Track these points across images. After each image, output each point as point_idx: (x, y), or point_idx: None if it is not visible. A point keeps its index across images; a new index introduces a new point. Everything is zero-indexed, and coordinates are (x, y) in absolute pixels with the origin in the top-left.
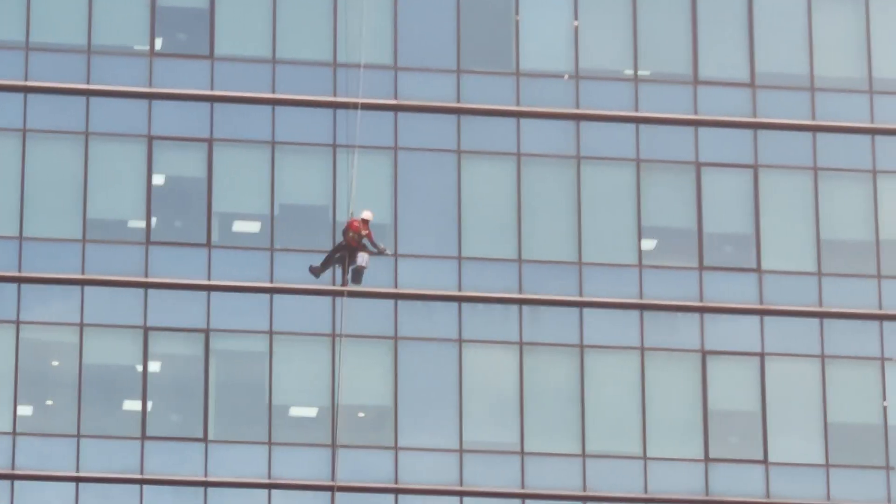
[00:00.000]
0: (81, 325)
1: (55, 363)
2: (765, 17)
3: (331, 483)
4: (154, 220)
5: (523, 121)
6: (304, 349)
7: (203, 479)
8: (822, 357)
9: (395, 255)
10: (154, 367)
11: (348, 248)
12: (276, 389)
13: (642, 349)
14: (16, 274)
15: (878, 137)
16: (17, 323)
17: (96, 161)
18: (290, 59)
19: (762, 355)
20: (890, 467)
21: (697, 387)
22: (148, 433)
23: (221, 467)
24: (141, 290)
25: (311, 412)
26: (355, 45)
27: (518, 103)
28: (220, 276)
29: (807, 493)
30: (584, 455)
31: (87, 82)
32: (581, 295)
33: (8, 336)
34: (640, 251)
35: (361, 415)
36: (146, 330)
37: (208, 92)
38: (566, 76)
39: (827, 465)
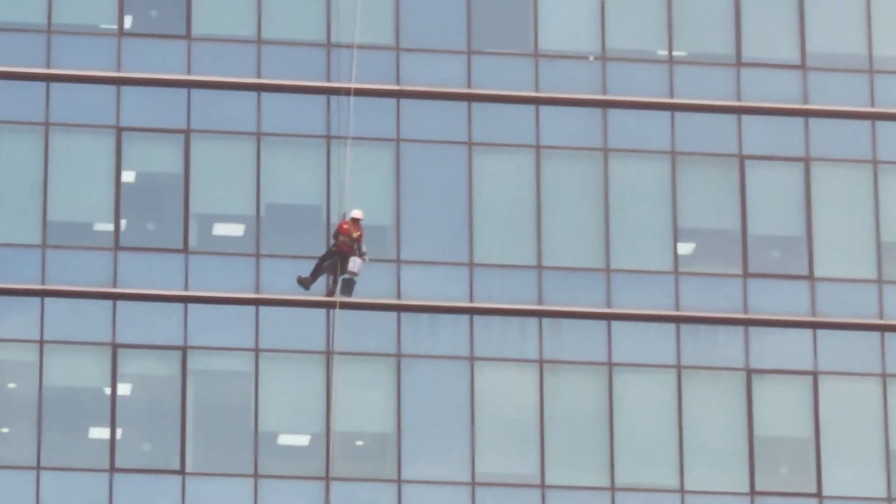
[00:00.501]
0: (41, 342)
1: (11, 385)
2: None
3: None
4: (123, 222)
5: (543, 108)
6: (294, 368)
7: None
8: (884, 376)
9: (398, 261)
10: (124, 389)
11: (339, 253)
12: (263, 414)
13: (679, 367)
14: None
15: None
16: None
17: (57, 155)
18: (277, 39)
19: (815, 374)
20: None
21: (742, 410)
22: (117, 464)
23: (201, 503)
24: (109, 303)
25: (302, 440)
26: (350, 21)
27: (537, 88)
28: (198, 285)
29: None
30: (612, 488)
31: (47, 66)
32: (609, 306)
33: None
34: (675, 256)
35: (360, 443)
36: (115, 347)
37: (185, 77)
38: (592, 57)
39: (889, 500)
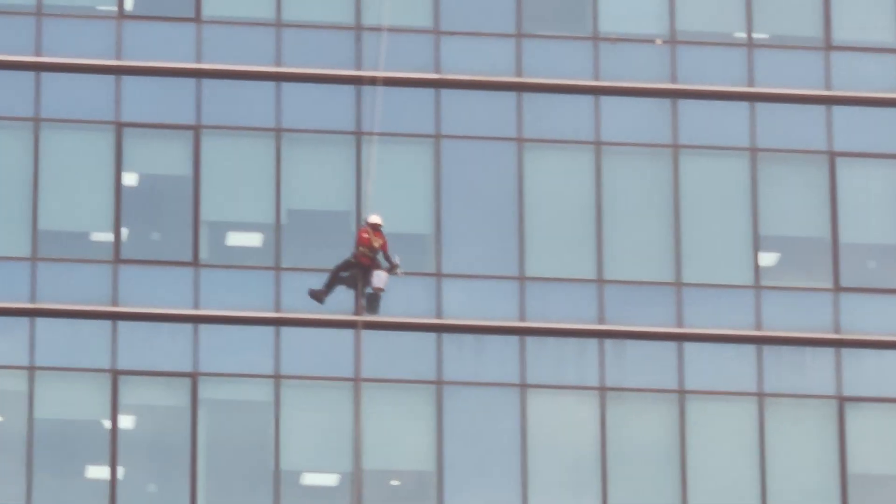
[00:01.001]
0: (31, 369)
1: None
2: None
3: None
4: (125, 231)
5: (603, 99)
6: (320, 398)
7: None
8: None
9: (439, 275)
10: (126, 422)
11: (359, 266)
12: (285, 450)
13: (760, 395)
14: None
15: None
16: None
17: (49, 155)
18: (299, 21)
19: None
20: None
21: (833, 442)
22: None
23: None
24: (108, 323)
25: (329, 479)
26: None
27: (597, 77)
28: (210, 303)
29: None
30: None
31: (37, 53)
32: (680, 325)
33: None
34: (756, 268)
35: (395, 482)
36: (115, 374)
37: (194, 65)
38: (659, 41)
39: None
